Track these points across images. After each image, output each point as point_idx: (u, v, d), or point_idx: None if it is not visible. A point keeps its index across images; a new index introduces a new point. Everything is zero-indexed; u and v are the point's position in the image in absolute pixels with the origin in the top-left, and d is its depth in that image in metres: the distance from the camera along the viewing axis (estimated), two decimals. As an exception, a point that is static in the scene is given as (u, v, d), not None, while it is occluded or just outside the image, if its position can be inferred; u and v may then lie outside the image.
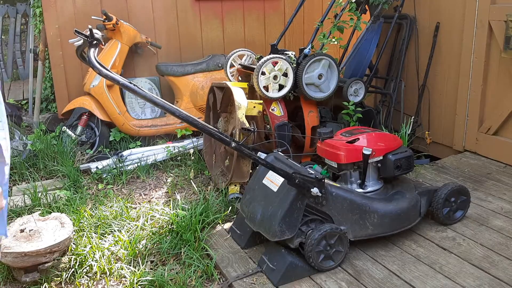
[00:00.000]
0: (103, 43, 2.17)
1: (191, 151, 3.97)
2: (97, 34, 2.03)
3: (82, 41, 2.01)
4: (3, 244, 2.40)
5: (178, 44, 4.83)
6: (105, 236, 2.86)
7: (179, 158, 4.06)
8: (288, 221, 2.30)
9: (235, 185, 3.26)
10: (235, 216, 2.98)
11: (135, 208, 3.24)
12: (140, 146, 4.29)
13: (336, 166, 2.69)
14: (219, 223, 2.94)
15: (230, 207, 3.07)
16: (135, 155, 3.99)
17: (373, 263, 2.44)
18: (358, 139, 2.68)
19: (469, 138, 3.84)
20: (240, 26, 5.10)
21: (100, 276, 2.53)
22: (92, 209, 3.21)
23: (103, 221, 2.99)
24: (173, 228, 2.82)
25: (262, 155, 2.52)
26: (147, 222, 2.99)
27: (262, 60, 3.30)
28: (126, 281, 2.46)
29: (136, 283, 2.40)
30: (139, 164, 3.92)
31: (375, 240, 2.56)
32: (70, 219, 2.73)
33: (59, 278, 2.50)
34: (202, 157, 3.86)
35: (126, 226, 2.94)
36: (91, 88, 4.15)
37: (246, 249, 2.65)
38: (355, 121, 3.56)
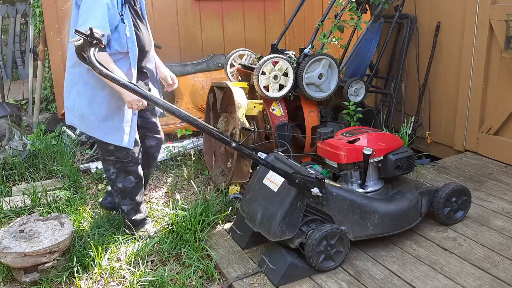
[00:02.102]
0: (103, 42, 2.16)
1: (191, 151, 3.95)
2: (97, 34, 2.02)
3: (82, 40, 2.00)
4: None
5: (178, 44, 4.82)
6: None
7: (179, 158, 4.05)
8: (288, 221, 2.30)
9: (235, 185, 3.26)
10: (235, 216, 2.98)
11: (135, 208, 3.23)
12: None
13: (337, 166, 2.69)
14: (219, 223, 2.94)
15: (230, 207, 3.06)
16: (135, 155, 3.98)
17: (374, 263, 2.43)
18: (359, 139, 2.68)
19: (470, 138, 3.83)
20: (240, 26, 5.09)
21: (100, 277, 2.52)
22: (92, 209, 3.21)
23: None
24: (173, 228, 2.81)
25: (262, 155, 2.52)
26: (147, 222, 2.99)
27: (262, 60, 3.30)
28: (126, 281, 2.45)
29: (136, 283, 2.40)
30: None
31: (375, 240, 2.55)
32: (70, 219, 2.72)
33: (59, 279, 2.49)
34: (202, 157, 3.86)
35: (126, 226, 2.93)
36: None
37: (246, 249, 2.64)
38: (355, 121, 3.56)
